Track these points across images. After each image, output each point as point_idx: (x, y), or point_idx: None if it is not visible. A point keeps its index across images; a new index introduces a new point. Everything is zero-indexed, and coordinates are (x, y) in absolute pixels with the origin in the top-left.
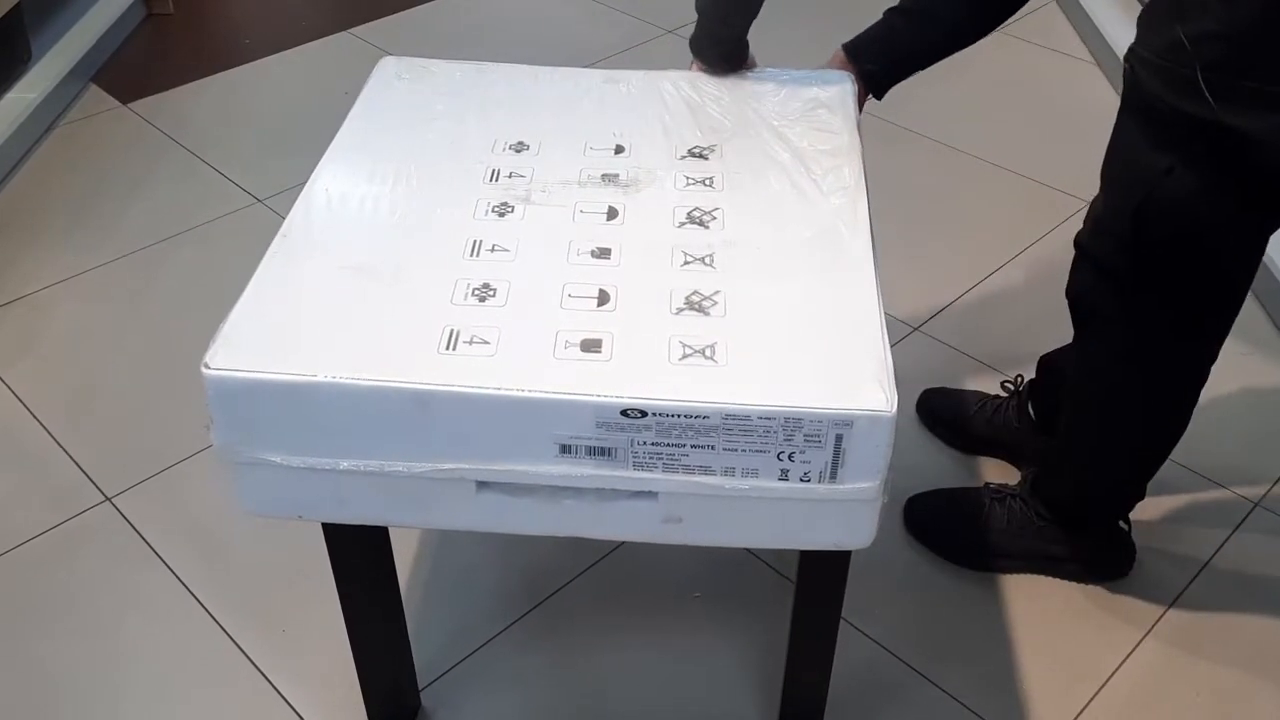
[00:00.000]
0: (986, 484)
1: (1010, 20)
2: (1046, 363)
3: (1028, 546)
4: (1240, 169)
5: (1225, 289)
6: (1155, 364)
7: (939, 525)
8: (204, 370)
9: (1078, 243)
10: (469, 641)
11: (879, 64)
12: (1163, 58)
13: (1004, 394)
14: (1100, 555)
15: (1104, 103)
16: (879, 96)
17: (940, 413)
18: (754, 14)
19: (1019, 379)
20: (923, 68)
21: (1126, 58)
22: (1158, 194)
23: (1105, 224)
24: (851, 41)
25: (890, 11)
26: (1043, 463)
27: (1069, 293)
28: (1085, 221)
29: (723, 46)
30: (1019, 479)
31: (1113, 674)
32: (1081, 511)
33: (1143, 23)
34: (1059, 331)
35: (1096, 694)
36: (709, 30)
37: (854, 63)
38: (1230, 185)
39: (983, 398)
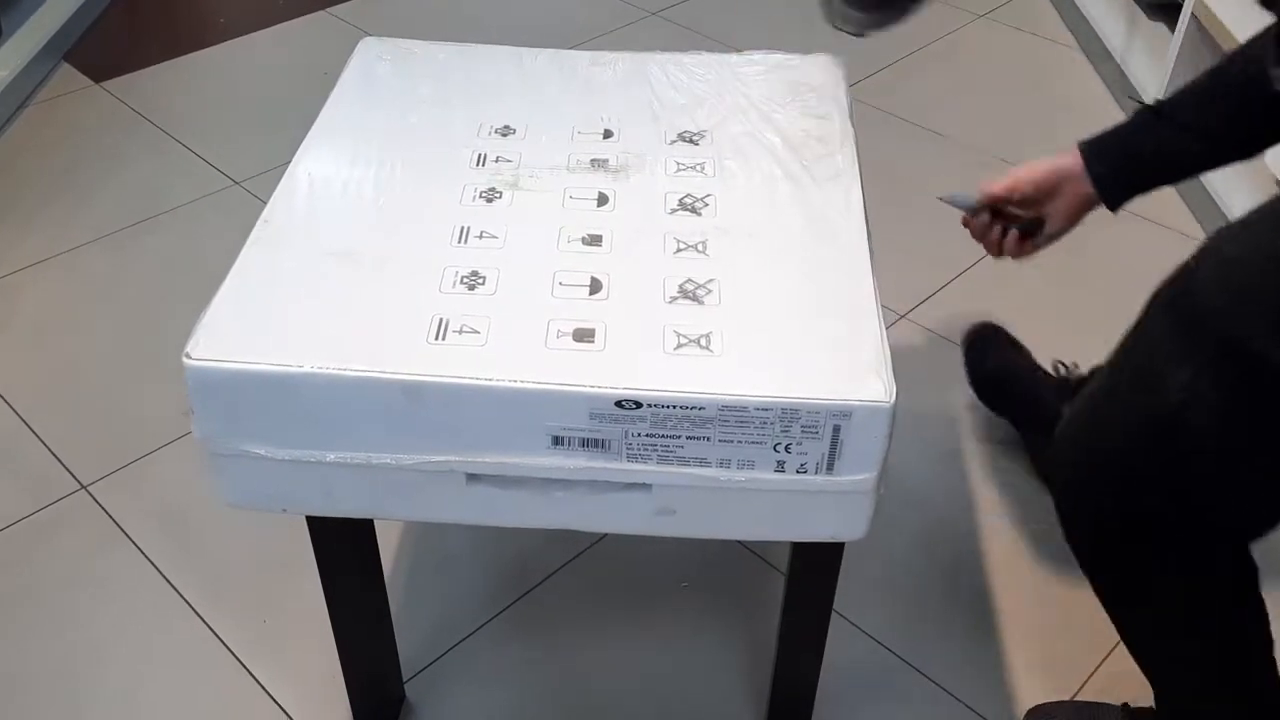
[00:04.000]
0: (1125, 704)
1: (998, 6)
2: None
3: None
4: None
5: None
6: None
7: None
8: (185, 361)
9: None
10: (454, 633)
11: (1111, 167)
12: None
13: (1053, 374)
14: None
15: (1089, 90)
16: (1112, 207)
17: (999, 379)
18: None
19: (1074, 366)
20: (1174, 181)
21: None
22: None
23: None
24: (1089, 138)
25: (1143, 109)
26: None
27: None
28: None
29: None
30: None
31: (1100, 664)
32: None
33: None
34: (1044, 320)
35: (1084, 684)
36: None
37: (1085, 162)
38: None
39: (1034, 368)
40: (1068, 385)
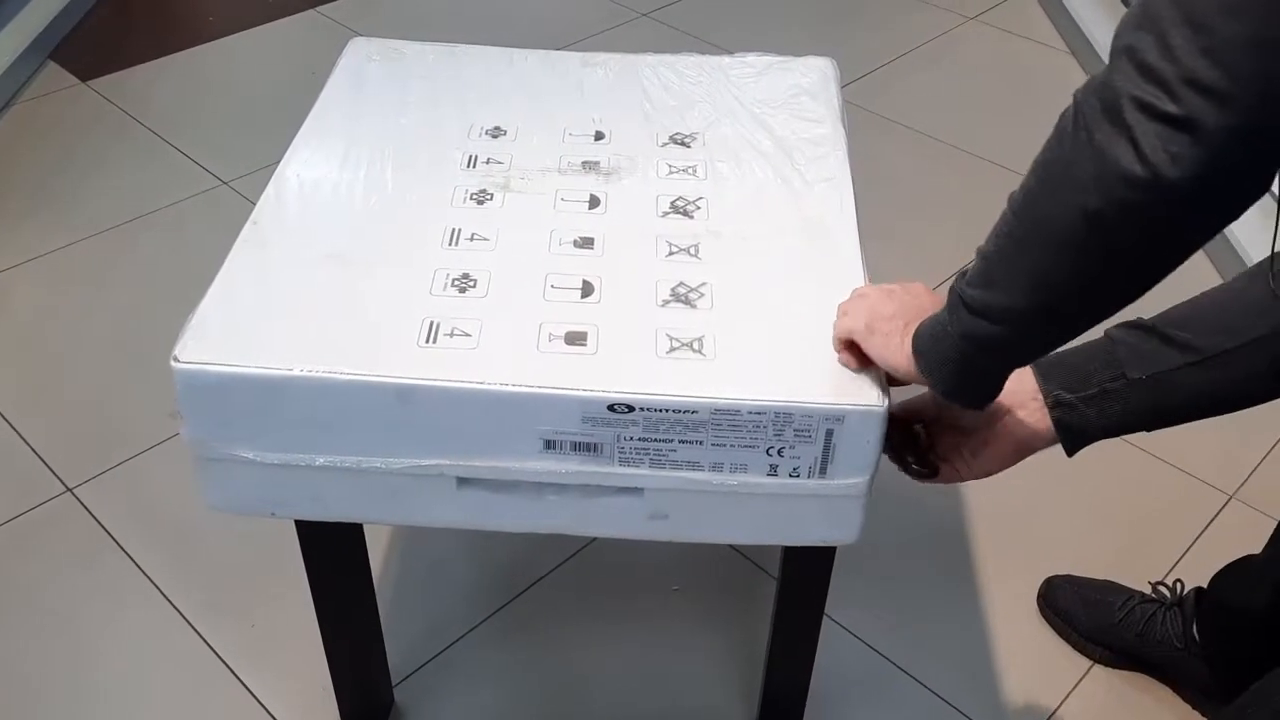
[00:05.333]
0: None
1: (989, 8)
2: (1218, 584)
3: None
4: None
5: None
6: None
7: None
8: (173, 364)
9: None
10: (443, 636)
11: (1083, 393)
12: None
13: (1155, 598)
14: None
15: None
16: (1072, 450)
17: (1074, 616)
18: None
19: (1178, 586)
20: (1159, 423)
21: None
22: None
23: None
24: (1046, 358)
25: (1121, 327)
26: None
27: None
28: None
29: None
30: None
31: (1090, 669)
32: None
33: None
34: None
35: (1075, 688)
36: None
37: (1041, 384)
38: None
39: (1128, 597)
40: (1178, 605)
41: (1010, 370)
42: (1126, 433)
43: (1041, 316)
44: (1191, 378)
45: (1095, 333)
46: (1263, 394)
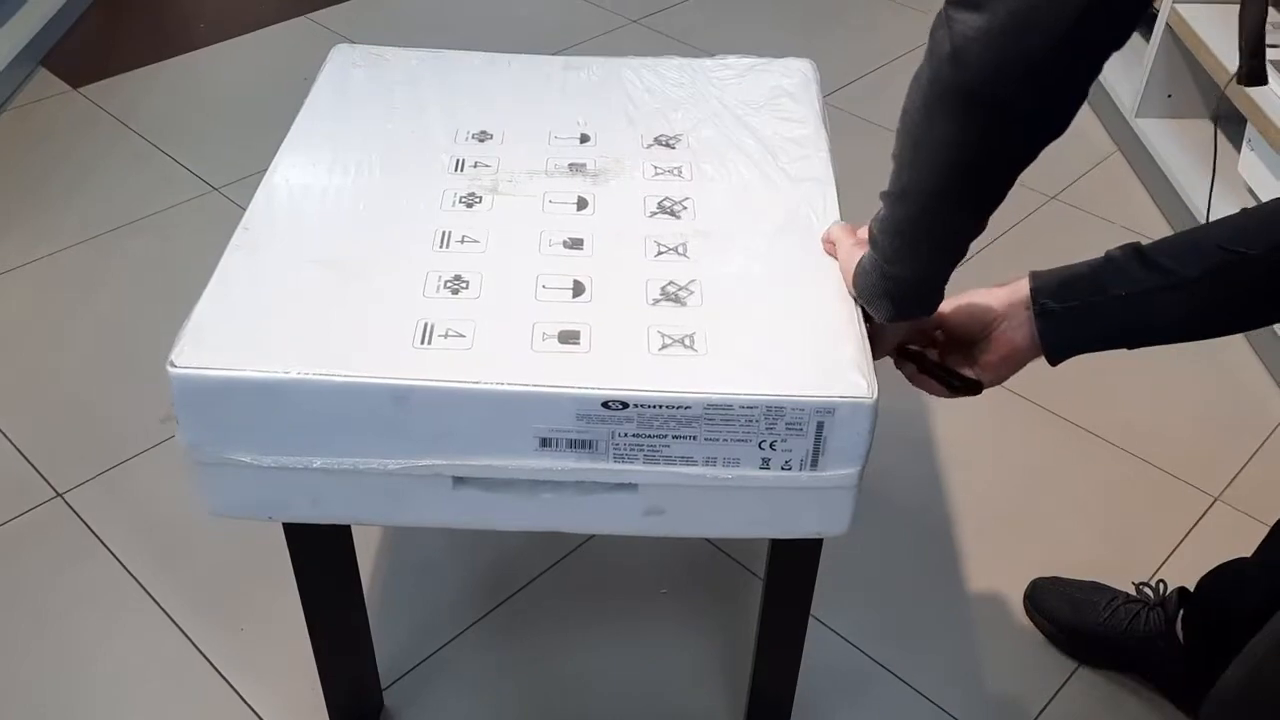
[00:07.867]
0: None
1: None
2: (1208, 586)
3: None
4: None
5: None
6: None
7: None
8: (170, 369)
9: None
10: (433, 639)
11: (1066, 304)
12: None
13: (1139, 599)
14: None
15: None
16: (1053, 358)
17: (1059, 617)
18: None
19: (1161, 586)
20: (1132, 340)
21: None
22: None
23: None
24: (1045, 271)
25: (1119, 248)
26: None
27: None
28: None
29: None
30: None
31: (1075, 669)
32: None
33: None
34: None
35: (1060, 688)
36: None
37: (1032, 293)
38: None
39: (1113, 597)
40: (1160, 606)
41: (921, 287)
42: (1107, 348)
43: (921, 222)
44: (1166, 300)
45: (1098, 251)
46: (1237, 323)
